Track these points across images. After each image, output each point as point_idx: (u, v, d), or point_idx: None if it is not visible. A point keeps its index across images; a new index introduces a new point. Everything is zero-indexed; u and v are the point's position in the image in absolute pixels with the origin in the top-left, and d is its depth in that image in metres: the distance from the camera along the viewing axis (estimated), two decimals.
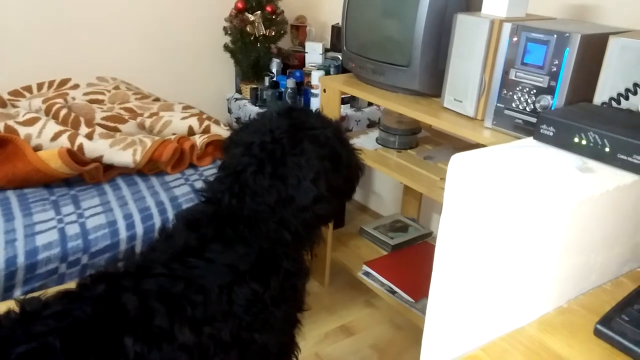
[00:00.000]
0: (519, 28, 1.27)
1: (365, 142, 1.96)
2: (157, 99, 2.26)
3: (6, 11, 2.25)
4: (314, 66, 2.64)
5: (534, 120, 1.26)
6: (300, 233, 1.13)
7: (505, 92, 1.33)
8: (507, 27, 1.30)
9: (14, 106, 1.97)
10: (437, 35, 1.54)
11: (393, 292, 1.89)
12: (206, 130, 1.99)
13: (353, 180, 1.27)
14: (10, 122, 1.75)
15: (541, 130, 0.82)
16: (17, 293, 1.36)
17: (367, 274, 1.99)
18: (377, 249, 2.15)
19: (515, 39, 1.28)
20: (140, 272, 1.02)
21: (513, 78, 1.31)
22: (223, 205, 1.11)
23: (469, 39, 1.40)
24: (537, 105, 1.26)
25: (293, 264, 1.14)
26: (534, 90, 1.26)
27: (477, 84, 1.41)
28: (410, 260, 2.05)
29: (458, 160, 0.76)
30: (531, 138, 0.84)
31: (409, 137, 1.94)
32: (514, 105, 1.32)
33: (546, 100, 1.24)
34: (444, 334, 0.87)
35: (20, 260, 1.36)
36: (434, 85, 1.60)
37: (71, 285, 1.01)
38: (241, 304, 1.03)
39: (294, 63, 2.80)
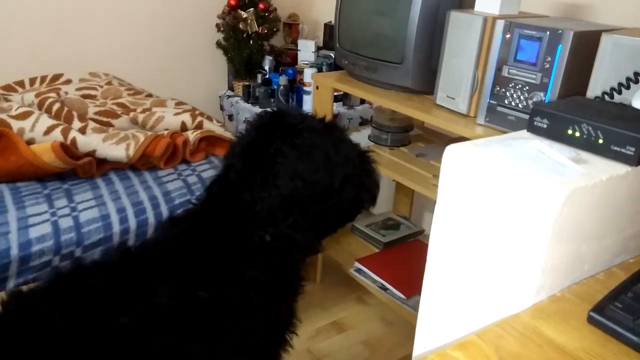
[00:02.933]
0: (511, 25, 1.29)
1: (357, 140, 1.96)
2: (149, 95, 2.25)
3: None
4: (307, 64, 2.65)
5: (526, 117, 1.27)
6: (283, 239, 1.05)
7: (498, 89, 1.34)
8: (500, 24, 1.31)
9: (6, 100, 1.95)
10: (430, 32, 1.55)
11: (385, 289, 1.90)
12: (199, 126, 1.98)
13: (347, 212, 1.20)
14: (3, 116, 1.74)
15: (535, 123, 0.83)
16: (11, 285, 1.36)
17: (359, 270, 2.00)
18: (369, 246, 2.16)
19: (508, 36, 1.30)
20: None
21: (506, 75, 1.32)
22: (203, 205, 1.12)
23: (462, 36, 1.42)
24: (530, 102, 1.27)
25: (262, 273, 1.03)
26: (527, 87, 1.28)
27: (469, 81, 1.42)
28: (402, 257, 2.06)
29: (453, 151, 0.77)
30: (525, 130, 0.85)
31: (402, 134, 1.95)
32: (506, 102, 1.33)
33: (539, 97, 1.25)
34: (437, 325, 0.88)
35: (14, 252, 1.35)
36: (426, 82, 1.61)
37: None
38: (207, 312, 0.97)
39: (287, 60, 2.81)
